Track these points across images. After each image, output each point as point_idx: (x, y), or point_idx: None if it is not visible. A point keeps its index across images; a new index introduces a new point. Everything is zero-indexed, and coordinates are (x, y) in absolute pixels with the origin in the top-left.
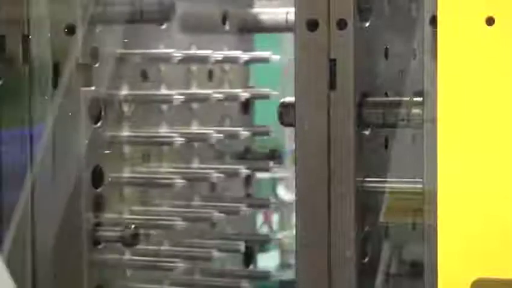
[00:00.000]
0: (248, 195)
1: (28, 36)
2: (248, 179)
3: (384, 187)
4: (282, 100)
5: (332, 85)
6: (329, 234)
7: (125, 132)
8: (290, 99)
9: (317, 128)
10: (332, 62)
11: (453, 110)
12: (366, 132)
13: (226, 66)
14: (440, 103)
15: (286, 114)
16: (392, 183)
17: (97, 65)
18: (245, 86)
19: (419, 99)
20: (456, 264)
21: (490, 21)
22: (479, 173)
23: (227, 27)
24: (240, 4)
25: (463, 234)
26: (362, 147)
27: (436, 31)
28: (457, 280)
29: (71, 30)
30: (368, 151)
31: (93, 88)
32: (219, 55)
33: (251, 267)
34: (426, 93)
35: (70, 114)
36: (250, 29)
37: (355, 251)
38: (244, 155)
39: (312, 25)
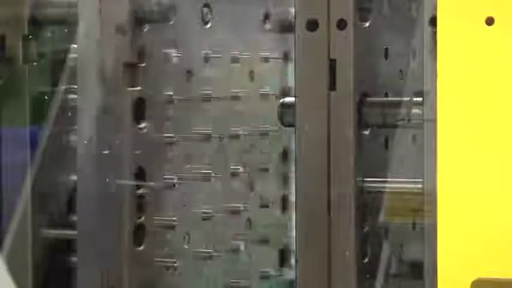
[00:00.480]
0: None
1: (28, 36)
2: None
3: (384, 187)
4: (282, 100)
5: (332, 85)
6: (329, 234)
7: (168, 133)
8: (290, 99)
9: (317, 128)
10: (332, 62)
11: (453, 110)
12: (366, 132)
13: (267, 66)
14: (440, 103)
15: (286, 114)
16: (392, 183)
17: (142, 65)
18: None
19: (419, 99)
20: (456, 264)
21: (490, 21)
22: (479, 173)
23: (268, 26)
24: (281, 3)
25: (463, 234)
26: (362, 147)
27: (436, 31)
28: (457, 280)
29: (121, 30)
30: (368, 151)
31: (139, 88)
32: (260, 55)
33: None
34: (426, 93)
35: (115, 114)
36: (291, 28)
37: (355, 251)
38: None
39: (312, 25)
